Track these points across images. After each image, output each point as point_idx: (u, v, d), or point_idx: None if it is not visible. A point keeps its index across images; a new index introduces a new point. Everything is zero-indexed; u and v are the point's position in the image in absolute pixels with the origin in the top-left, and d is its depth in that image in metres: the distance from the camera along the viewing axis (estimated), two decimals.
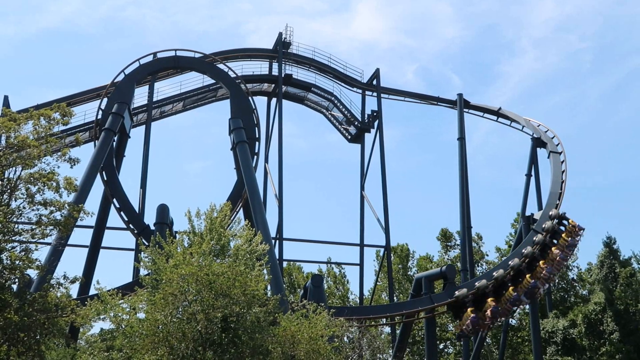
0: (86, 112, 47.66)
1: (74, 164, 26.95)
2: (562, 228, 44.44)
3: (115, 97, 44.37)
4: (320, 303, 31.36)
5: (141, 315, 25.31)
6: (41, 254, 28.75)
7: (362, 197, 55.22)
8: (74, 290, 37.65)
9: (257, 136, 45.63)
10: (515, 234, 54.91)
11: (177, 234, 30.98)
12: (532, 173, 52.76)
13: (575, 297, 57.11)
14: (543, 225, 44.57)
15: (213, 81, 49.80)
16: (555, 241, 43.95)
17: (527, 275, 41.80)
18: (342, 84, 55.95)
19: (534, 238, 44.24)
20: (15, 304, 24.35)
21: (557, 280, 57.31)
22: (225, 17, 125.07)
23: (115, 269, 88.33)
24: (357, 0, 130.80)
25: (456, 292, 41.79)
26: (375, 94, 56.45)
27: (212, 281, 23.78)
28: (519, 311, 60.47)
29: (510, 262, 42.72)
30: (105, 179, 42.68)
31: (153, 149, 47.46)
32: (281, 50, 53.18)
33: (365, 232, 54.18)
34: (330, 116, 57.06)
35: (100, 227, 43.77)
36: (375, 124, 55.71)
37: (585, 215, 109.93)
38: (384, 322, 45.70)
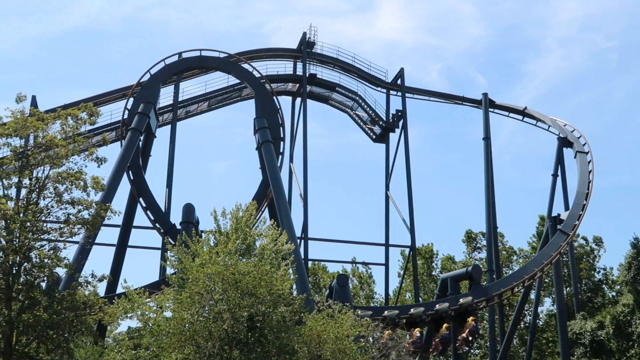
0: (112, 112, 48.11)
1: (101, 164, 27.17)
2: None
3: (141, 97, 44.65)
4: (346, 303, 31.27)
5: (168, 313, 25.44)
6: (69, 252, 29.13)
7: (387, 197, 55.05)
8: (102, 288, 37.99)
9: (281, 136, 45.68)
10: (539, 235, 54.50)
11: (203, 233, 31.08)
12: (559, 173, 52.27)
13: (602, 298, 56.46)
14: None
15: (238, 81, 49.93)
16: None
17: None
18: (367, 83, 55.83)
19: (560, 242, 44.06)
20: (45, 302, 24.59)
21: (583, 281, 56.81)
22: (248, 17, 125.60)
23: (141, 267, 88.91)
24: None
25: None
26: (399, 93, 56.24)
27: (238, 280, 23.81)
28: (545, 312, 60.03)
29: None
30: (132, 178, 42.98)
31: (178, 149, 47.67)
32: (305, 49, 53.17)
33: (390, 231, 54.03)
34: (354, 116, 56.95)
35: (127, 226, 44.07)
36: (400, 123, 55.53)
37: (612, 215, 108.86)
38: None
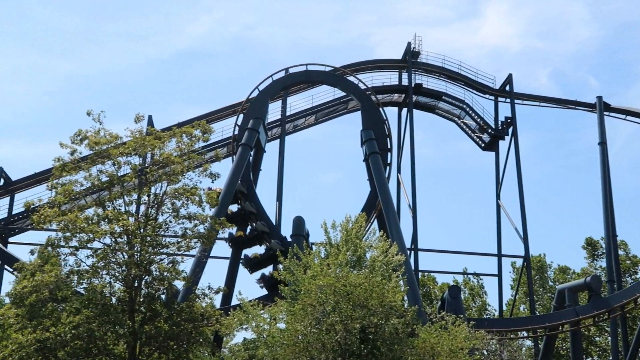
0: (224, 129, 49.52)
1: (215, 179, 28.07)
2: None
3: (251, 113, 45.72)
4: (459, 314, 30.73)
5: (281, 325, 25.85)
6: (186, 265, 30.12)
7: (497, 206, 53.77)
8: (217, 300, 39.01)
9: (388, 147, 45.64)
10: None
11: (313, 245, 31.40)
12: None
13: None
14: None
15: (344, 94, 50.29)
16: None
17: None
18: (474, 91, 54.86)
19: None
20: (165, 314, 25.56)
21: None
22: (352, 30, 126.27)
23: (254, 279, 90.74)
24: (485, 5, 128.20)
25: None
26: (508, 100, 54.95)
27: (349, 292, 23.91)
28: None
29: None
30: (244, 192, 43.94)
31: (287, 162, 48.43)
32: (410, 59, 52.92)
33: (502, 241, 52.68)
34: (462, 124, 56.09)
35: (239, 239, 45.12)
36: (510, 130, 54.22)
37: None
38: (526, 334, 44.16)
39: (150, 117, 47.12)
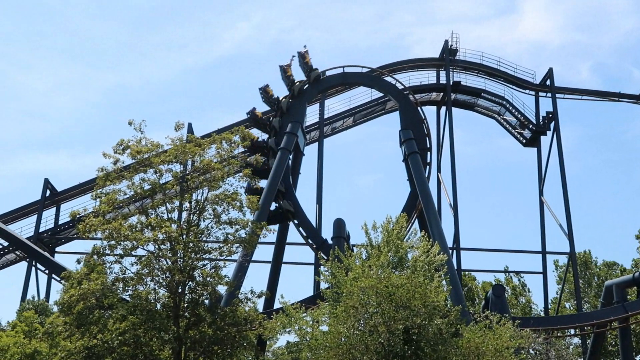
0: (262, 133, 49.63)
1: (255, 184, 28.24)
2: None
3: (289, 116, 45.90)
4: (504, 314, 30.38)
5: (324, 327, 25.88)
6: (228, 270, 30.40)
7: (541, 203, 53.02)
8: (260, 304, 39.25)
9: (428, 146, 45.38)
10: None
11: (354, 247, 31.38)
12: None
13: None
14: None
15: (381, 94, 50.16)
16: None
17: None
18: (513, 87, 54.20)
19: None
20: (209, 319, 25.82)
21: None
22: (389, 30, 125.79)
23: (296, 282, 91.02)
24: (523, 0, 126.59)
25: None
26: (549, 94, 54.17)
27: (392, 293, 23.82)
28: None
29: None
30: (284, 196, 44.14)
31: (326, 165, 48.47)
32: (448, 57, 52.55)
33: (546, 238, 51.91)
34: (502, 121, 55.42)
35: (280, 243, 45.38)
36: (552, 125, 53.42)
37: None
38: (573, 332, 43.46)
39: (190, 125, 47.69)
